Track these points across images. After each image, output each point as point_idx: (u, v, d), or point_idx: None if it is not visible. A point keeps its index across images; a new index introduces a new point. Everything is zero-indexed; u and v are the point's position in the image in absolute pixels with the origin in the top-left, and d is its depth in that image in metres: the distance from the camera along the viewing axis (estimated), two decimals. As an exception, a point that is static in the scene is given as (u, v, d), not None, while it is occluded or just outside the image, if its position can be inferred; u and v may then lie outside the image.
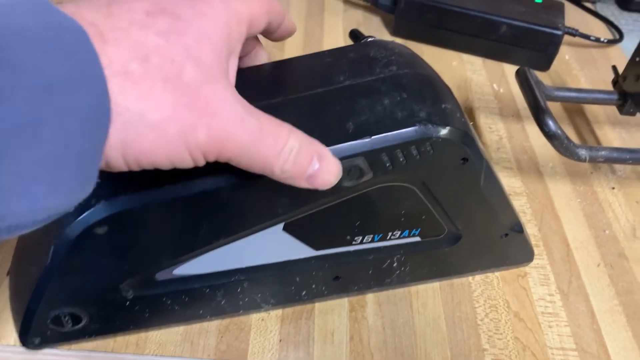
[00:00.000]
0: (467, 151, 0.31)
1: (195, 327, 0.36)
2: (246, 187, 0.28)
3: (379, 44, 0.34)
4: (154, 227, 0.29)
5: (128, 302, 0.32)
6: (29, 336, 0.33)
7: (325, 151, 0.27)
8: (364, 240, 0.35)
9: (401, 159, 0.30)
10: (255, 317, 0.37)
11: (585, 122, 0.56)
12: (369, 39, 0.35)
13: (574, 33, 0.63)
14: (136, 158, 0.22)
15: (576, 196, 0.48)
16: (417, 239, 0.36)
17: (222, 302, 0.35)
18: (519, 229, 0.38)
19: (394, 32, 0.64)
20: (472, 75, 0.60)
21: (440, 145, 0.30)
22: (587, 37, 0.64)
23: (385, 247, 0.36)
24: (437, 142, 0.30)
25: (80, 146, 0.19)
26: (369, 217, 0.33)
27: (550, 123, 0.42)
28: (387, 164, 0.30)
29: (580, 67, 0.63)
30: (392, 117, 0.29)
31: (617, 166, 0.51)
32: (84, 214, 0.28)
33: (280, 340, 0.36)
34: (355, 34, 0.35)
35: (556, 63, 0.62)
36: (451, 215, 0.35)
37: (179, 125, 0.22)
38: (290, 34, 0.33)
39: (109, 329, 0.34)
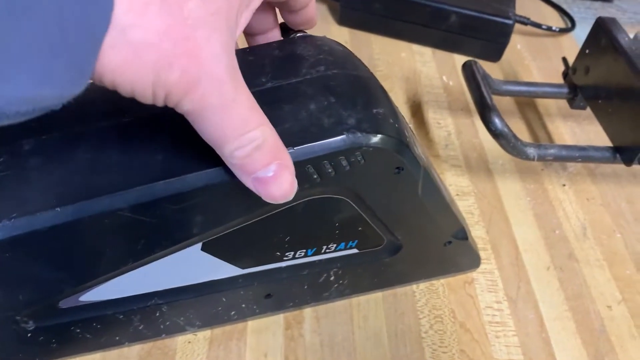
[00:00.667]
0: (401, 160, 0.28)
1: (113, 354, 0.33)
2: (152, 207, 0.25)
3: (308, 40, 0.31)
4: (47, 254, 0.25)
5: (30, 334, 0.29)
6: None
7: (290, 166, 0.24)
8: (297, 255, 0.32)
9: (329, 170, 0.27)
10: (181, 340, 0.34)
11: (536, 115, 0.54)
12: (298, 34, 0.32)
13: (525, 22, 0.61)
14: (102, 70, 0.20)
15: (526, 195, 0.46)
16: (355, 250, 0.33)
17: (141, 327, 0.32)
18: (462, 236, 0.36)
19: (340, 21, 0.61)
20: (422, 67, 0.58)
21: (372, 154, 0.27)
22: (538, 25, 0.62)
23: (320, 261, 0.33)
24: (367, 151, 0.27)
25: (76, 36, 0.18)
26: (299, 231, 0.30)
27: (497, 121, 0.40)
28: (314, 176, 0.27)
29: (532, 57, 0.61)
30: (317, 125, 0.26)
31: (569, 162, 0.50)
32: (-40, 243, 0.24)
33: (208, 365, 0.33)
34: (283, 28, 0.32)
35: (507, 53, 0.60)
36: (389, 226, 0.32)
37: (157, 54, 0.20)
38: (309, 23, 0.31)
39: (11, 362, 0.30)
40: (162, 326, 0.32)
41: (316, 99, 0.27)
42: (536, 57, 0.61)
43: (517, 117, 0.54)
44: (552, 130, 0.53)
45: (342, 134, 0.26)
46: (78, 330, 0.30)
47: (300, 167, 0.26)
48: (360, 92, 0.29)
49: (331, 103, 0.27)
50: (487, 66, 0.59)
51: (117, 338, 0.32)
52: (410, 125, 0.50)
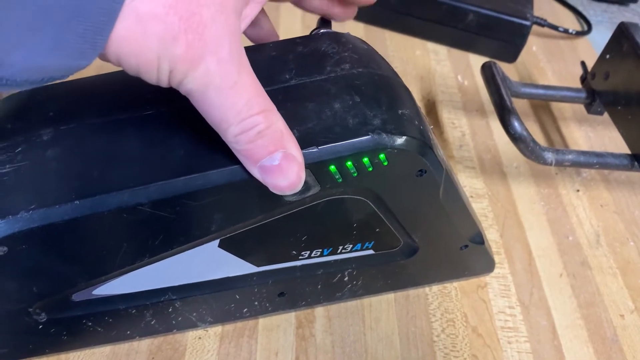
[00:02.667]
0: (424, 162, 0.28)
1: (123, 348, 0.33)
2: (172, 203, 0.25)
3: (332, 37, 0.31)
4: (63, 247, 0.25)
5: (41, 326, 0.29)
6: None
7: (297, 155, 0.24)
8: (312, 255, 0.31)
9: (352, 171, 0.27)
10: (191, 335, 0.34)
11: (551, 119, 0.54)
12: (322, 30, 0.31)
13: (542, 23, 0.60)
14: (109, 43, 0.20)
15: (540, 199, 0.46)
16: (371, 252, 0.33)
17: (152, 322, 0.31)
18: (479, 240, 0.36)
19: (356, 15, 0.60)
20: (437, 66, 0.57)
21: (396, 156, 0.27)
22: (555, 27, 0.61)
23: (335, 261, 0.33)
24: (392, 153, 0.26)
25: (93, 6, 0.18)
26: (317, 231, 0.30)
27: (516, 125, 0.39)
28: (337, 177, 0.27)
29: (547, 60, 0.60)
30: (342, 125, 0.26)
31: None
32: (-23, 233, 0.23)
33: (219, 361, 0.33)
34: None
35: (523, 54, 0.59)
36: (407, 228, 0.32)
37: (162, 27, 0.20)
38: None
39: (21, 354, 0.30)
40: (174, 321, 0.32)
41: (341, 97, 0.27)
42: (551, 60, 0.60)
43: (531, 120, 0.53)
44: (567, 135, 0.52)
45: (367, 135, 0.26)
46: (90, 324, 0.30)
47: (324, 167, 0.26)
48: (385, 92, 0.28)
49: (356, 102, 0.27)
50: (502, 67, 0.58)
51: (129, 332, 0.31)
52: (425, 125, 0.50)
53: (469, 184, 0.46)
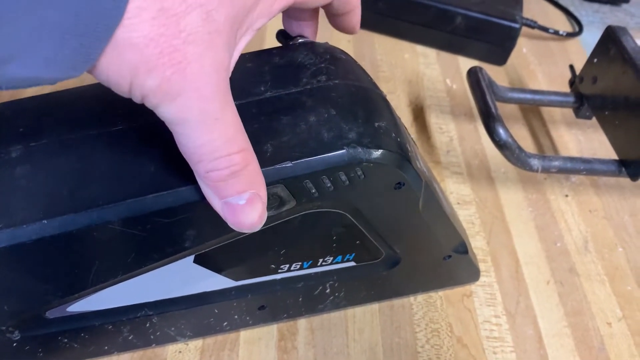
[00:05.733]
0: (402, 175, 0.27)
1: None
2: (143, 220, 0.24)
3: (309, 48, 0.30)
4: (33, 266, 0.25)
5: (15, 344, 0.28)
6: None
7: (263, 197, 0.24)
8: (292, 268, 0.31)
9: (328, 185, 0.26)
10: (171, 349, 0.34)
11: (541, 122, 0.53)
12: (299, 41, 0.31)
13: (532, 25, 0.60)
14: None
15: (528, 205, 0.46)
16: (352, 263, 0.33)
17: (130, 337, 0.31)
18: (463, 250, 0.35)
19: (344, 19, 0.59)
20: (425, 70, 0.57)
21: (372, 170, 0.26)
22: (545, 29, 0.61)
23: (316, 274, 0.32)
24: (368, 166, 0.26)
25: (89, 25, 0.18)
26: (295, 244, 0.30)
27: (501, 132, 0.39)
28: (312, 191, 0.26)
29: (538, 62, 0.60)
30: (317, 139, 0.26)
31: (571, 172, 0.49)
32: (-58, 253, 0.23)
33: (199, 376, 0.33)
34: (284, 35, 0.31)
35: (513, 56, 0.59)
36: (388, 240, 0.31)
37: (138, 57, 0.19)
38: (351, 29, 0.30)
39: (-4, 371, 0.30)
40: (152, 336, 0.31)
41: (316, 110, 0.26)
42: (542, 62, 0.60)
43: (520, 124, 0.53)
44: (557, 139, 0.52)
45: (343, 149, 0.25)
46: (65, 340, 0.29)
47: (299, 182, 0.25)
48: (362, 105, 0.28)
49: (332, 115, 0.26)
50: (492, 70, 0.58)
51: (106, 347, 0.31)
52: (412, 129, 0.50)
53: (456, 190, 0.46)
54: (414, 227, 0.31)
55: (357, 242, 0.31)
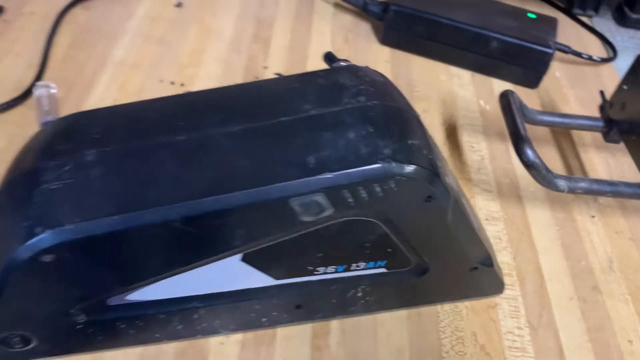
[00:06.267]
0: (432, 190, 0.30)
1: (152, 349, 0.36)
2: (200, 220, 0.27)
3: (351, 71, 0.33)
4: (102, 256, 0.28)
5: (80, 326, 0.32)
6: (-25, 356, 0.32)
7: None
8: (327, 271, 0.34)
9: (364, 196, 0.29)
10: (214, 341, 0.37)
11: (570, 144, 0.55)
12: (342, 64, 0.34)
13: (566, 50, 0.61)
14: None
15: (555, 224, 0.47)
16: (383, 270, 0.35)
17: (179, 327, 0.34)
18: (488, 263, 0.37)
19: (383, 40, 0.62)
20: (459, 90, 0.59)
21: (404, 183, 0.29)
22: (579, 54, 0.62)
23: (349, 278, 0.35)
24: (401, 180, 0.29)
25: None
26: (331, 249, 0.32)
27: (529, 152, 0.41)
28: (349, 200, 0.29)
29: (571, 86, 0.61)
30: (355, 153, 0.28)
31: (599, 193, 0.50)
32: (30, 241, 0.27)
33: (239, 367, 0.36)
34: (329, 57, 0.34)
35: (546, 80, 0.61)
36: (417, 250, 0.34)
37: None
38: None
39: (61, 350, 0.33)
40: (198, 327, 0.34)
41: (355, 128, 0.29)
42: (574, 86, 0.61)
43: (550, 146, 0.54)
44: (586, 161, 0.53)
45: (378, 163, 0.28)
46: (123, 326, 0.33)
47: (337, 192, 0.28)
48: (397, 124, 0.30)
49: (369, 133, 0.29)
50: (524, 92, 0.60)
51: (157, 335, 0.34)
52: (445, 147, 0.52)
53: (486, 206, 0.48)
54: (442, 238, 0.33)
55: (389, 250, 0.34)
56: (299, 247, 0.31)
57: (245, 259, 0.31)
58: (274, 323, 0.36)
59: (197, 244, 0.29)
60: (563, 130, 0.56)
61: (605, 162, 0.53)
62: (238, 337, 0.37)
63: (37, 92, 0.48)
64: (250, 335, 0.37)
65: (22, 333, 0.31)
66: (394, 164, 0.28)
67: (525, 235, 0.46)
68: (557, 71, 0.63)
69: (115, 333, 0.33)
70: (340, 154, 0.28)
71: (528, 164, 0.41)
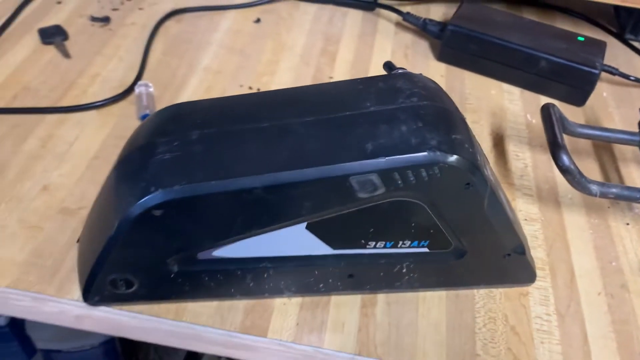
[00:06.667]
0: (471, 178, 0.35)
1: (226, 304, 0.42)
2: (277, 189, 0.34)
3: (407, 77, 0.39)
4: (199, 215, 0.35)
5: (172, 275, 0.39)
6: (90, 294, 0.40)
7: None
8: (377, 246, 0.40)
9: (411, 179, 0.35)
10: (278, 302, 0.43)
11: (611, 159, 0.59)
12: (399, 71, 0.40)
13: (613, 72, 0.65)
14: None
15: (589, 228, 0.51)
16: (425, 250, 0.41)
17: (251, 285, 0.41)
18: (521, 251, 0.42)
19: (439, 57, 0.68)
20: (509, 105, 0.64)
21: (447, 170, 0.35)
22: (626, 76, 0.66)
23: (395, 254, 0.41)
24: (443, 167, 0.35)
25: None
26: (381, 225, 0.38)
27: (565, 158, 0.45)
28: (399, 182, 0.35)
29: (616, 105, 0.65)
30: (406, 143, 0.35)
31: (635, 203, 0.54)
32: (145, 198, 0.34)
33: (297, 324, 0.42)
34: (389, 66, 0.40)
35: (593, 99, 0.65)
36: (457, 232, 0.39)
37: None
38: None
39: (155, 296, 0.40)
40: (266, 286, 0.41)
41: (407, 122, 0.35)
42: (620, 106, 0.65)
43: (591, 159, 0.58)
44: (625, 175, 0.57)
45: (425, 152, 0.34)
46: (206, 279, 0.40)
47: (389, 173, 0.34)
48: (443, 121, 0.36)
49: (419, 127, 0.35)
50: (570, 110, 0.64)
51: (232, 290, 0.41)
52: (491, 154, 0.57)
53: (525, 208, 0.53)
54: (479, 223, 0.39)
55: (431, 231, 0.39)
56: (354, 221, 0.38)
57: (309, 228, 0.38)
58: (329, 290, 0.42)
59: (272, 210, 0.35)
60: (605, 146, 0.60)
61: (645, 177, 0.57)
62: (298, 300, 0.43)
63: (138, 89, 0.57)
64: (308, 299, 0.43)
65: (127, 277, 0.38)
66: (438, 153, 0.34)
67: (560, 236, 0.50)
68: (605, 92, 0.67)
69: (199, 285, 0.40)
70: (394, 142, 0.35)
71: (563, 169, 0.46)
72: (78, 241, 0.44)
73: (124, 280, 0.39)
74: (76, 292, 0.42)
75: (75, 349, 1.05)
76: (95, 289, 0.39)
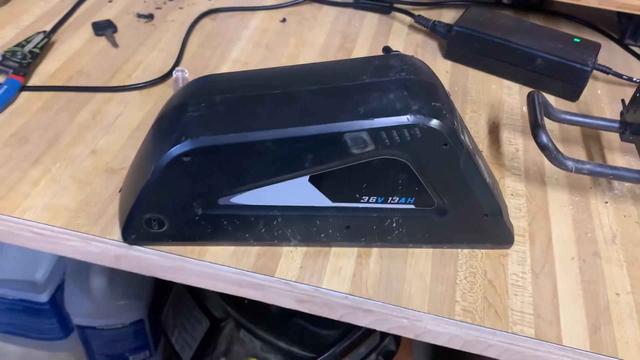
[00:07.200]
0: (447, 138, 0.42)
1: (241, 249, 0.50)
2: (284, 142, 0.42)
3: (400, 57, 0.46)
4: (219, 163, 0.43)
5: (197, 217, 0.46)
6: (128, 232, 0.47)
7: None
8: (370, 200, 0.47)
9: (396, 138, 0.42)
10: (286, 249, 0.50)
11: (598, 147, 0.64)
12: (394, 53, 0.47)
13: (607, 71, 0.71)
14: None
15: (570, 204, 0.57)
16: (412, 206, 0.47)
17: (262, 231, 0.48)
18: (498, 212, 0.48)
19: (446, 55, 0.75)
20: (507, 98, 0.70)
21: (426, 131, 0.41)
22: (620, 75, 0.71)
23: (386, 209, 0.47)
24: (423, 128, 0.41)
25: None
26: (373, 181, 0.45)
27: (543, 136, 0.52)
28: (385, 140, 0.42)
29: (609, 101, 0.71)
30: (392, 107, 0.42)
31: (615, 184, 0.59)
32: (176, 146, 0.42)
33: (301, 267, 0.49)
34: (386, 49, 0.47)
35: (587, 95, 0.70)
36: (438, 190, 0.46)
37: None
38: None
39: (182, 237, 0.48)
40: (275, 233, 0.48)
41: (395, 92, 0.42)
42: (612, 102, 0.71)
43: (579, 146, 0.64)
44: (610, 161, 0.62)
45: (407, 114, 0.41)
46: (225, 223, 0.47)
47: (377, 132, 0.41)
48: (426, 92, 0.43)
49: (404, 95, 0.42)
50: (565, 104, 0.70)
51: (247, 235, 0.48)
52: (486, 139, 0.63)
53: (512, 185, 0.59)
54: (456, 182, 0.45)
55: (416, 188, 0.46)
56: (349, 177, 0.45)
57: (311, 181, 0.45)
58: (329, 240, 0.49)
59: (280, 161, 0.43)
60: (593, 134, 0.65)
61: (628, 163, 0.62)
62: (303, 249, 0.50)
63: (176, 74, 0.65)
64: (311, 249, 0.50)
65: (160, 216, 0.46)
66: (419, 116, 0.41)
67: (542, 210, 0.56)
68: (599, 89, 0.73)
69: (219, 228, 0.47)
70: (382, 107, 0.42)
71: (541, 146, 0.52)
72: (120, 191, 0.52)
73: (157, 219, 0.46)
74: (116, 233, 0.50)
75: (107, 326, 1.14)
76: (133, 228, 0.47)
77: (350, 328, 0.86)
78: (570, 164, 0.52)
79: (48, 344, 1.25)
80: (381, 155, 0.43)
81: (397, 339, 0.98)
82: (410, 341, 1.22)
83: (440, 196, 0.46)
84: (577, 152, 0.63)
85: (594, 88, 0.72)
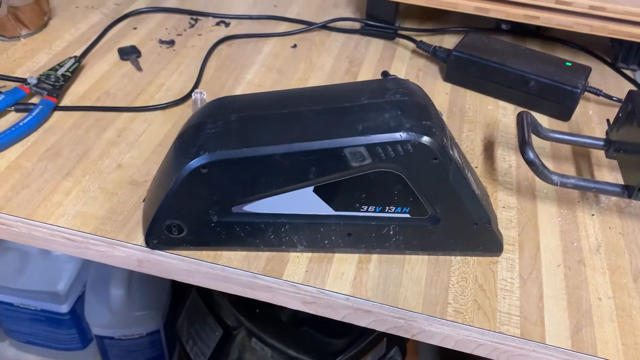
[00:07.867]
0: (436, 153, 0.47)
1: (252, 254, 0.55)
2: (290, 156, 0.47)
3: (396, 81, 0.52)
4: (233, 174, 0.48)
5: (212, 224, 0.51)
6: (151, 237, 0.53)
7: None
8: (369, 210, 0.51)
9: (391, 152, 0.47)
10: (293, 255, 0.55)
11: (587, 164, 0.68)
12: (391, 77, 0.52)
13: (597, 93, 0.75)
14: None
15: (558, 216, 0.61)
16: (407, 215, 0.52)
17: (271, 237, 0.53)
18: (487, 221, 0.53)
19: (445, 78, 0.80)
20: (502, 118, 0.75)
21: (417, 146, 0.46)
22: (609, 97, 0.76)
23: (383, 217, 0.52)
24: (415, 144, 0.46)
25: None
26: (371, 192, 0.50)
27: (530, 152, 0.56)
28: (381, 154, 0.47)
29: (599, 122, 0.75)
30: (387, 125, 0.47)
31: (602, 198, 0.63)
32: (195, 159, 0.47)
33: (307, 271, 0.53)
34: (385, 74, 0.52)
35: (579, 116, 0.75)
36: (430, 200, 0.50)
37: None
38: None
39: (199, 242, 0.53)
40: (283, 239, 0.53)
41: (390, 111, 0.48)
42: (603, 122, 0.75)
43: (569, 163, 0.68)
44: (597, 177, 0.66)
45: (400, 132, 0.46)
46: (238, 229, 0.52)
47: (373, 147, 0.46)
48: (418, 112, 0.48)
49: (398, 115, 0.47)
50: (558, 124, 0.74)
51: (257, 241, 0.53)
52: (481, 156, 0.68)
53: (504, 198, 0.63)
54: (447, 193, 0.50)
55: (410, 199, 0.50)
56: (349, 187, 0.49)
57: (315, 190, 0.50)
58: (332, 246, 0.54)
59: (287, 173, 0.48)
60: (583, 152, 0.70)
61: (615, 179, 0.66)
62: (308, 254, 0.55)
63: (195, 96, 0.71)
64: (316, 255, 0.55)
65: (179, 223, 0.51)
66: (411, 133, 0.46)
67: (531, 221, 0.61)
68: (591, 110, 0.77)
69: (232, 234, 0.52)
70: (378, 125, 0.47)
71: (528, 161, 0.56)
72: (144, 200, 0.57)
73: (177, 226, 0.51)
74: (139, 239, 0.55)
75: (125, 336, 1.19)
76: (155, 233, 0.52)
77: (356, 337, 0.90)
78: (555, 178, 0.56)
79: (67, 354, 1.29)
80: (378, 168, 0.48)
81: (403, 350, 1.02)
82: (416, 352, 1.25)
83: (432, 206, 0.51)
84: (567, 169, 0.67)
85: (585, 109, 0.77)
